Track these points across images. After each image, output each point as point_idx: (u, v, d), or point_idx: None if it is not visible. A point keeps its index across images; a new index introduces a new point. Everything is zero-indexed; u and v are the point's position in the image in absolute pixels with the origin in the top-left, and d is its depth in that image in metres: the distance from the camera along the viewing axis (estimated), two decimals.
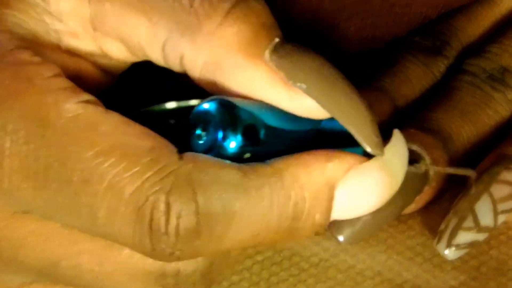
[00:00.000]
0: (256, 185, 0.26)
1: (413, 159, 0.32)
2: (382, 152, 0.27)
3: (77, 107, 0.26)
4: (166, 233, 0.25)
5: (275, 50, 0.27)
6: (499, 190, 0.35)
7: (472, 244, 0.35)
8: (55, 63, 0.28)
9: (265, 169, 0.26)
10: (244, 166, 0.26)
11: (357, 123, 0.27)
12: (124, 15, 0.28)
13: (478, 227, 0.34)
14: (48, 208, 0.27)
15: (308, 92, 0.27)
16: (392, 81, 0.39)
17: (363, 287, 0.36)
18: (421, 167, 0.33)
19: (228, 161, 0.26)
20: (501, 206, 0.35)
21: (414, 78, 0.40)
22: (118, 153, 0.26)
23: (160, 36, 0.28)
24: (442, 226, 0.35)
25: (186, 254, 0.26)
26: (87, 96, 0.27)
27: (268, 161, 0.27)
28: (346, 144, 0.27)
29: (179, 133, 0.28)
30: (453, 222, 0.35)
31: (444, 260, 0.36)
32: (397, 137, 0.28)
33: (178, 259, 0.26)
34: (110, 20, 0.28)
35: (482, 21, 0.42)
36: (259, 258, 0.36)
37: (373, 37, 0.42)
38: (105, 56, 0.30)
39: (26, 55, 0.27)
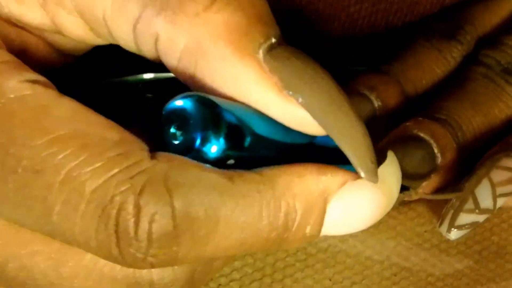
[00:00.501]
0: (243, 191, 0.24)
1: (404, 186, 0.31)
2: (376, 179, 0.25)
3: (22, 86, 0.23)
4: (136, 237, 0.23)
5: (272, 50, 0.24)
6: (498, 175, 0.35)
7: (472, 225, 0.35)
8: None
9: (253, 176, 0.24)
10: (229, 172, 0.24)
11: (354, 146, 0.25)
12: None
13: (479, 209, 0.35)
14: None
15: (304, 105, 0.24)
16: (401, 64, 0.38)
17: (372, 271, 0.36)
18: (411, 194, 0.32)
19: (209, 165, 0.24)
20: (499, 190, 0.35)
21: (425, 63, 0.39)
22: (76, 143, 0.22)
23: (131, 11, 0.24)
24: (445, 210, 0.36)
25: (161, 261, 0.23)
26: (34, 75, 0.23)
27: (256, 169, 0.24)
28: (340, 160, 0.26)
29: (158, 109, 0.24)
30: (454, 205, 0.35)
31: (450, 246, 0.37)
32: (392, 159, 0.27)
33: (152, 266, 0.23)
34: None
35: (500, 10, 0.41)
36: None
37: (386, 23, 0.40)
38: (58, 32, 0.26)
39: None
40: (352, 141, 0.25)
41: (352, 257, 0.37)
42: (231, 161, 0.24)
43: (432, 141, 0.36)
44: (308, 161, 0.25)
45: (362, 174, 0.25)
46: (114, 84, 0.33)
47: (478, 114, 0.38)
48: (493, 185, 0.35)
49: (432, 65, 0.39)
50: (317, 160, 0.26)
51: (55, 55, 0.27)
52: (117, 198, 0.22)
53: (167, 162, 0.23)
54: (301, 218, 0.25)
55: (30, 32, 0.26)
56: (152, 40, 0.24)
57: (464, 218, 0.35)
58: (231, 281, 0.35)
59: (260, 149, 0.25)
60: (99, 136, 0.23)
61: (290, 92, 0.24)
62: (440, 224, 0.36)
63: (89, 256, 0.25)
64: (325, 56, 0.42)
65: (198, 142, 0.24)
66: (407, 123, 0.36)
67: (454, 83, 0.39)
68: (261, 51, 0.24)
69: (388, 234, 0.37)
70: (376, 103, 0.37)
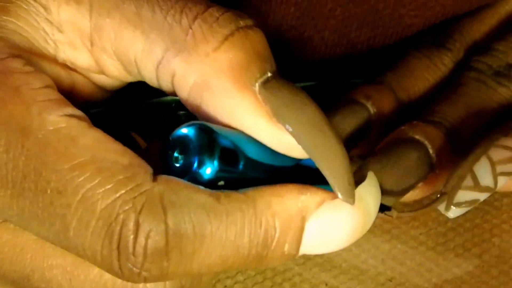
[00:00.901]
0: (228, 210, 0.26)
1: (384, 205, 0.32)
2: (352, 200, 0.27)
3: (59, 120, 0.26)
4: (134, 252, 0.25)
5: (266, 83, 0.27)
6: (498, 153, 0.35)
7: (472, 203, 0.35)
8: (49, 74, 0.28)
9: (238, 196, 0.26)
10: (217, 192, 0.26)
11: (332, 169, 0.27)
12: (122, 30, 0.28)
13: (478, 187, 0.35)
14: (23, 217, 0.27)
15: (291, 131, 0.27)
16: (394, 74, 0.40)
17: (367, 275, 0.36)
18: (393, 213, 0.33)
19: (201, 187, 0.26)
20: (500, 168, 0.35)
21: (416, 71, 0.40)
22: (94, 167, 0.26)
23: (155, 54, 0.28)
24: (443, 188, 0.36)
25: (153, 275, 0.26)
26: (72, 110, 0.27)
27: (241, 189, 0.27)
28: (323, 182, 0.27)
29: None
30: (452, 182, 0.35)
31: (447, 248, 0.37)
32: (371, 179, 0.29)
33: (145, 280, 0.26)
34: (108, 35, 0.29)
35: (488, 19, 0.43)
36: None
37: (383, 44, 0.42)
38: (101, 73, 0.30)
39: (17, 64, 0.27)
40: (331, 164, 0.27)
41: (348, 261, 0.37)
42: (221, 183, 0.27)
43: (426, 143, 0.36)
44: (294, 182, 0.28)
45: (339, 195, 0.27)
46: (152, 105, 0.39)
47: (472, 116, 0.39)
48: (492, 163, 0.35)
49: (423, 73, 0.40)
50: (302, 181, 0.28)
51: (97, 90, 0.31)
52: (121, 216, 0.25)
53: (165, 184, 0.26)
54: (279, 235, 0.27)
55: (79, 73, 0.30)
56: (169, 77, 0.28)
57: (463, 195, 0.35)
58: (235, 283, 0.36)
59: (251, 171, 0.27)
60: (112, 161, 0.26)
61: (280, 120, 0.27)
62: (438, 202, 0.35)
63: (96, 270, 0.27)
64: (327, 72, 0.44)
65: (195, 165, 0.26)
66: (402, 127, 0.37)
67: (447, 88, 0.40)
68: (257, 84, 0.27)
69: (383, 237, 0.38)
70: (372, 110, 0.38)
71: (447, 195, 0.35)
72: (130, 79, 0.30)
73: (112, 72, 0.30)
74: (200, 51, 0.27)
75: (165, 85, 0.29)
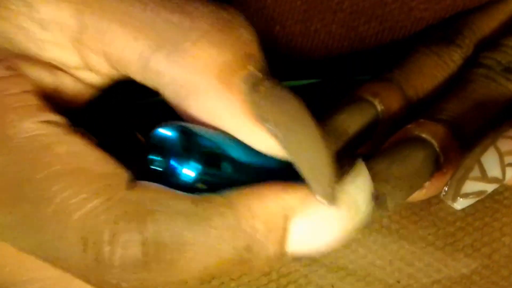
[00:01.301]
0: (206, 215, 0.25)
1: (378, 195, 0.31)
2: (333, 202, 0.26)
3: (35, 127, 0.26)
4: (111, 264, 0.25)
5: (254, 84, 0.26)
6: (506, 144, 0.35)
7: (479, 194, 0.34)
8: (31, 76, 0.27)
9: (217, 199, 0.26)
10: (196, 197, 0.25)
11: (312, 172, 0.26)
12: (106, 27, 0.27)
13: (486, 178, 0.34)
14: (3, 229, 0.26)
15: (273, 133, 0.26)
16: (402, 71, 0.39)
17: (374, 277, 0.36)
18: (386, 205, 0.32)
19: (180, 192, 0.25)
20: (508, 159, 0.34)
21: (425, 68, 0.39)
22: (69, 177, 0.25)
23: (139, 51, 0.27)
24: (450, 180, 0.35)
25: (133, 287, 0.25)
26: (50, 116, 0.26)
27: (222, 191, 0.26)
28: None
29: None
30: (459, 173, 0.34)
31: (456, 249, 0.36)
32: (359, 169, 0.28)
33: None
34: (93, 33, 0.28)
35: (498, 14, 0.42)
36: None
37: (392, 39, 0.42)
38: (89, 71, 0.29)
39: None
40: (310, 165, 0.26)
41: (355, 262, 0.36)
42: (202, 186, 0.26)
43: (433, 141, 0.36)
44: (278, 180, 0.27)
45: (318, 198, 0.26)
46: (152, 103, 0.38)
47: (480, 113, 0.38)
48: (500, 154, 0.34)
49: (432, 70, 0.40)
50: (289, 179, 0.27)
51: (86, 88, 0.30)
52: (97, 228, 0.25)
53: (142, 192, 0.25)
54: (261, 237, 0.26)
55: (66, 72, 0.29)
56: (154, 75, 0.27)
57: (471, 186, 0.34)
58: (239, 285, 0.35)
59: (235, 173, 0.27)
60: (88, 170, 0.25)
61: (263, 121, 0.26)
62: (445, 194, 0.35)
63: (76, 282, 0.26)
64: (334, 68, 0.43)
65: (174, 168, 0.26)
66: (409, 126, 0.37)
67: (455, 85, 0.39)
68: (243, 85, 0.26)
69: (390, 238, 0.37)
70: (379, 108, 0.37)
71: (454, 186, 0.34)
72: (117, 76, 0.29)
73: (99, 70, 0.29)
74: (183, 47, 0.26)
75: (150, 84, 0.28)
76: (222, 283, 0.35)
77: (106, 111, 0.34)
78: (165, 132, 0.26)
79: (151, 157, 0.26)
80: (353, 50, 0.41)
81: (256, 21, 0.38)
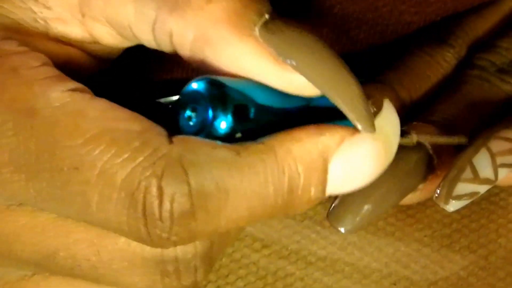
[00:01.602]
0: (249, 162, 0.26)
1: (404, 130, 0.31)
2: (373, 128, 0.27)
3: (63, 96, 0.26)
4: (160, 218, 0.25)
5: (265, 25, 0.27)
6: (497, 145, 0.35)
7: (472, 195, 0.34)
8: (43, 52, 0.28)
9: (257, 147, 0.26)
10: (236, 146, 0.26)
11: (348, 100, 0.27)
12: None
13: (478, 179, 0.34)
14: (42, 199, 0.26)
15: (298, 68, 0.26)
16: (395, 73, 0.39)
17: (370, 279, 0.35)
18: (412, 138, 0.32)
19: (219, 142, 0.26)
20: (500, 160, 0.34)
21: (418, 69, 0.39)
22: (107, 138, 0.25)
23: (148, 15, 0.27)
24: (441, 182, 0.35)
25: (182, 238, 0.26)
26: (73, 84, 0.27)
27: (260, 139, 0.26)
28: (338, 118, 0.27)
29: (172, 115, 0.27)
30: (451, 175, 0.34)
31: (452, 250, 0.36)
32: (388, 107, 0.28)
33: (175, 244, 0.26)
34: (97, 4, 0.28)
35: (490, 16, 0.42)
36: (265, 252, 0.36)
37: (382, 42, 0.42)
38: (95, 42, 0.30)
39: (11, 46, 0.27)
40: (345, 95, 0.27)
41: (351, 265, 0.36)
42: (238, 135, 0.26)
43: (427, 144, 0.36)
44: (310, 123, 0.27)
45: (359, 126, 0.27)
46: (164, 82, 0.39)
47: (474, 115, 0.38)
48: (492, 155, 0.34)
49: (425, 71, 0.40)
50: (319, 121, 0.27)
51: (95, 61, 0.31)
52: (143, 183, 0.25)
53: (182, 145, 0.25)
54: (304, 180, 0.26)
55: (73, 46, 0.30)
56: (167, 37, 0.28)
57: (463, 187, 0.34)
58: None
59: (264, 118, 0.27)
60: (125, 129, 0.25)
61: (285, 59, 0.26)
62: (437, 196, 0.35)
63: (123, 240, 0.27)
64: None
65: (209, 120, 0.26)
66: (402, 128, 0.36)
67: (449, 86, 0.39)
68: (256, 28, 0.27)
69: (386, 240, 0.37)
70: (372, 110, 0.37)
71: (446, 188, 0.34)
72: (127, 44, 0.30)
73: (107, 40, 0.29)
74: (194, 6, 0.27)
75: (164, 46, 0.28)
76: (218, 286, 0.35)
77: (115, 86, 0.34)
78: (195, 86, 0.26)
79: (185, 114, 0.27)
80: (343, 51, 0.41)
81: None
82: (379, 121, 0.28)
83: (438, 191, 0.34)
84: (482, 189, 0.34)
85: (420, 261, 0.36)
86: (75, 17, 0.29)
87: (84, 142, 0.25)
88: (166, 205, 0.25)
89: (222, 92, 0.26)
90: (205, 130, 0.26)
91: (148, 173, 0.25)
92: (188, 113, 0.27)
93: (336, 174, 0.27)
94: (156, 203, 0.25)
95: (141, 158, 0.25)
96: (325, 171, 0.27)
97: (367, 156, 0.27)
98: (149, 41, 0.28)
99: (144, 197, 0.25)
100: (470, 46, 0.41)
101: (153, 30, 0.28)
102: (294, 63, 0.26)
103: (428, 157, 0.35)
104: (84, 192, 0.25)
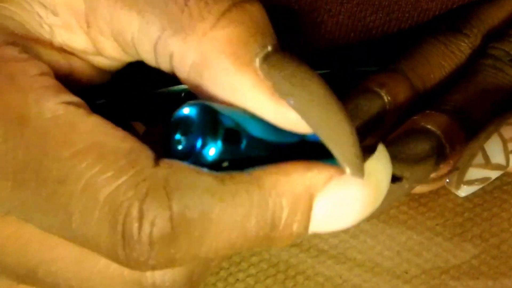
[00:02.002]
0: (233, 192, 0.25)
1: (395, 176, 0.31)
2: (361, 174, 0.26)
3: (58, 108, 0.26)
4: (139, 240, 0.25)
5: (267, 58, 0.26)
6: (509, 131, 0.35)
7: (483, 181, 0.34)
8: (45, 60, 0.27)
9: (243, 177, 0.26)
10: (221, 174, 0.25)
11: (339, 144, 0.26)
12: (117, 10, 0.28)
13: (489, 164, 0.34)
14: (26, 209, 0.26)
15: (294, 107, 0.26)
16: (409, 62, 0.39)
17: (382, 268, 0.36)
18: (404, 185, 0.32)
19: (206, 169, 0.25)
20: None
21: (432, 58, 0.39)
22: (95, 154, 0.25)
23: (152, 34, 0.27)
24: (454, 166, 0.35)
25: (161, 263, 0.25)
26: (69, 97, 0.26)
27: (247, 169, 0.26)
28: (332, 156, 0.26)
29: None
30: (463, 161, 0.34)
31: (464, 239, 0.36)
32: (381, 150, 0.28)
33: (153, 268, 0.25)
34: (104, 16, 0.28)
35: (506, 5, 0.42)
36: None
37: (398, 30, 0.42)
38: (98, 54, 0.30)
39: (12, 51, 0.27)
40: (337, 137, 0.26)
41: (363, 253, 0.36)
42: (226, 164, 0.26)
43: (439, 132, 0.36)
44: (300, 159, 0.26)
45: (347, 170, 0.26)
46: (159, 94, 0.39)
47: (487, 104, 0.38)
48: (504, 141, 0.34)
49: (439, 60, 0.39)
50: (309, 157, 0.27)
51: (96, 72, 0.30)
52: (125, 204, 0.24)
53: (168, 168, 0.25)
54: (287, 215, 0.26)
55: (77, 56, 0.30)
56: (167, 57, 0.27)
57: (474, 173, 0.34)
58: (248, 276, 0.35)
59: (255, 150, 0.26)
60: (113, 147, 0.25)
61: (282, 95, 0.26)
62: (449, 181, 0.35)
63: (103, 261, 0.27)
64: (341, 60, 0.43)
65: (198, 146, 0.26)
66: (415, 117, 0.37)
67: (463, 76, 0.39)
68: (257, 60, 0.26)
69: (398, 229, 0.37)
70: (386, 98, 0.37)
71: (457, 173, 0.34)
72: (128, 59, 0.30)
73: (110, 53, 0.29)
74: (197, 30, 0.26)
75: (164, 65, 0.28)
76: (230, 274, 0.35)
77: (107, 101, 0.35)
78: (187, 111, 0.26)
79: (175, 137, 0.26)
80: (360, 40, 0.41)
81: None
82: (371, 164, 0.27)
83: (450, 173, 0.34)
84: (494, 174, 0.34)
85: (432, 250, 0.36)
86: (81, 26, 0.29)
87: (71, 155, 0.25)
88: (146, 228, 0.24)
89: (214, 118, 0.26)
90: (193, 156, 0.26)
91: (130, 194, 0.25)
92: (178, 136, 0.26)
93: (321, 212, 0.26)
94: (136, 225, 0.24)
95: (125, 177, 0.25)
96: (309, 208, 0.26)
97: (354, 198, 0.26)
98: (149, 59, 0.28)
99: (125, 218, 0.25)
100: (485, 36, 0.41)
101: (155, 49, 0.27)
102: (290, 100, 0.26)
103: (440, 146, 0.35)
104: (67, 205, 0.25)
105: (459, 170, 0.34)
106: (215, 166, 0.26)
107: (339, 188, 0.26)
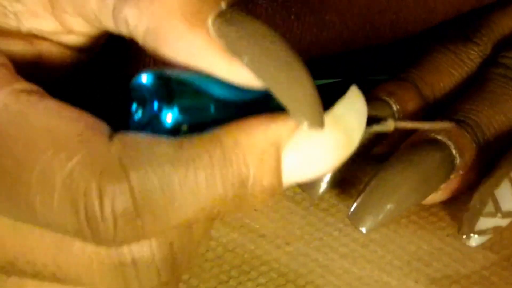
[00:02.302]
0: (193, 155, 0.24)
1: (379, 117, 0.30)
2: (321, 125, 0.25)
3: (8, 97, 0.26)
4: (103, 218, 0.24)
5: (219, 17, 0.26)
6: None
7: (495, 230, 0.34)
8: (5, 52, 0.27)
9: (202, 139, 0.25)
10: (180, 139, 0.25)
11: (294, 97, 0.25)
12: None
13: (500, 212, 0.34)
14: None
15: (246, 63, 0.25)
16: (418, 70, 0.39)
17: (392, 277, 0.35)
18: (389, 124, 0.30)
19: (162, 137, 0.25)
20: None
21: (441, 66, 0.39)
22: (47, 139, 0.25)
23: (108, 2, 0.27)
24: (465, 214, 0.35)
25: (129, 238, 0.25)
26: (21, 85, 0.26)
27: (207, 131, 0.25)
28: None
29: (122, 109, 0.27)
30: (474, 209, 0.34)
31: (475, 250, 0.36)
32: (353, 92, 0.27)
33: (122, 243, 0.25)
34: None
35: None
36: (287, 249, 0.36)
37: (406, 31, 0.41)
38: (70, 33, 0.29)
39: None
40: (291, 91, 0.25)
41: (372, 262, 0.36)
42: (185, 127, 0.25)
43: (450, 143, 0.36)
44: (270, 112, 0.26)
45: (305, 123, 0.25)
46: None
47: (497, 113, 0.38)
48: None
49: (449, 68, 0.39)
50: (280, 110, 0.26)
51: (71, 52, 0.30)
52: (82, 184, 0.24)
53: (122, 142, 0.25)
54: (254, 171, 0.25)
55: (48, 39, 0.29)
56: (125, 24, 0.27)
57: (485, 222, 0.34)
58: (257, 285, 0.35)
59: (219, 111, 0.26)
60: (65, 129, 0.25)
61: (234, 53, 0.25)
62: (460, 230, 0.35)
63: (77, 243, 0.26)
64: (350, 68, 0.43)
65: (154, 113, 0.25)
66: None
67: (473, 85, 0.39)
68: (209, 20, 0.26)
69: (408, 238, 0.37)
70: (395, 107, 0.37)
71: (467, 223, 0.34)
72: (97, 33, 0.29)
73: (79, 29, 0.29)
74: None
75: (125, 33, 0.27)
76: (240, 283, 0.35)
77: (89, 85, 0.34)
78: (141, 80, 0.26)
79: (132, 108, 0.26)
80: (368, 42, 0.41)
81: (271, 11, 0.38)
82: (339, 109, 0.26)
83: (460, 226, 0.34)
84: (505, 222, 0.34)
85: (442, 260, 0.36)
86: (45, 9, 0.29)
87: (24, 144, 0.25)
88: (107, 205, 0.24)
89: (168, 84, 0.25)
90: (152, 124, 0.25)
91: (86, 173, 0.24)
92: (135, 106, 0.26)
93: (291, 162, 0.26)
94: (96, 203, 0.24)
95: (78, 158, 0.24)
96: (277, 160, 0.25)
97: (324, 145, 0.26)
98: (112, 28, 0.28)
99: (85, 198, 0.24)
100: (495, 44, 0.41)
101: (113, 17, 0.27)
102: (243, 58, 0.25)
103: (451, 156, 0.35)
104: (27, 194, 0.25)
105: (469, 220, 0.34)
106: (174, 131, 0.25)
107: (307, 136, 0.25)
